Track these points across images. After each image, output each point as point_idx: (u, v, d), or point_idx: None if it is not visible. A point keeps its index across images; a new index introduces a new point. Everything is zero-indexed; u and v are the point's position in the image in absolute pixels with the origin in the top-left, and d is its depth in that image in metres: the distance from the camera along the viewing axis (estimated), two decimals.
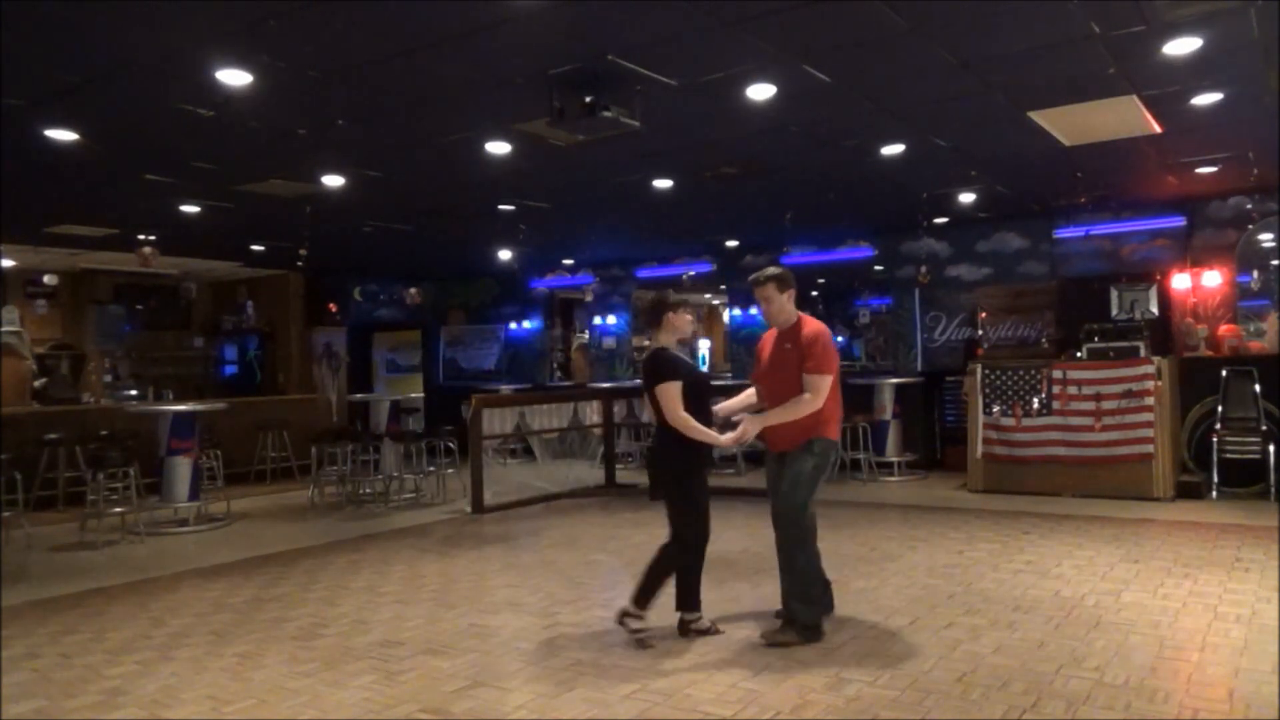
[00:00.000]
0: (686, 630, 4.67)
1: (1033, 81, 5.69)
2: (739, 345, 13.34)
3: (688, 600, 4.70)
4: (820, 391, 4.47)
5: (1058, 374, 8.76)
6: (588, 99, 5.20)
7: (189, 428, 8.53)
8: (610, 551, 6.93)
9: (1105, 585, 5.43)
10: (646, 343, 4.86)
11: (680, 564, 4.65)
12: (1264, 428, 8.56)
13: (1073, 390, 8.67)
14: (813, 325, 4.60)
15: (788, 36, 4.83)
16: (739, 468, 11.36)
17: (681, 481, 4.62)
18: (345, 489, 9.96)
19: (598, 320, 14.54)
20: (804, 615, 4.50)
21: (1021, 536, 6.93)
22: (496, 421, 11.44)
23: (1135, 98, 6.03)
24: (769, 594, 5.37)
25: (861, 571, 5.94)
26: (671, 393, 4.48)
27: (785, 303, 4.63)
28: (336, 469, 10.15)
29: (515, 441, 13.05)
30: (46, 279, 13.15)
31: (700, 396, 4.61)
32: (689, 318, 4.77)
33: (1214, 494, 8.49)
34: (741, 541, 7.04)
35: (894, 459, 10.50)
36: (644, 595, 4.61)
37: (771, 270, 4.69)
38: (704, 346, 18.76)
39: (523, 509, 9.08)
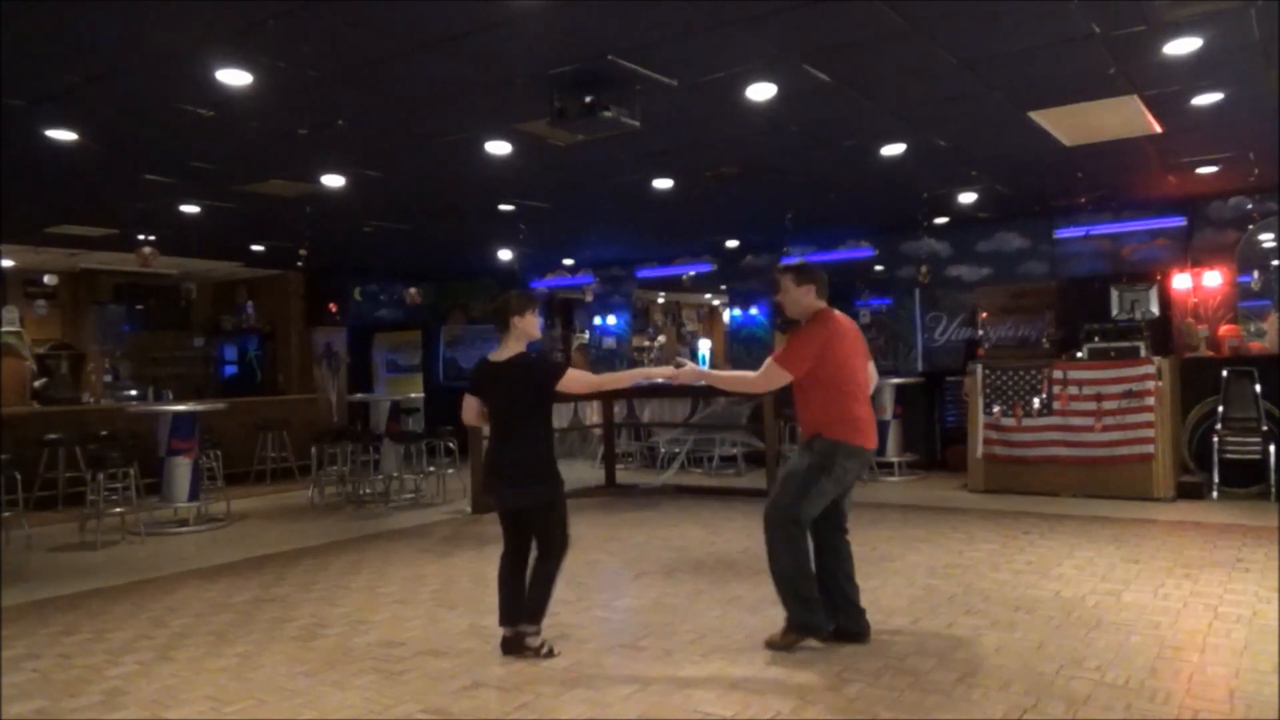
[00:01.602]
0: (524, 644, 4.41)
1: (1033, 81, 5.70)
2: (739, 345, 13.33)
3: (539, 613, 4.44)
4: (766, 374, 4.37)
5: (1058, 374, 8.75)
6: (588, 99, 5.20)
7: (189, 428, 8.52)
8: (610, 552, 6.93)
9: (1106, 586, 5.43)
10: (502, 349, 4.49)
11: (551, 574, 4.44)
12: (1264, 428, 8.56)
13: (1073, 390, 8.66)
14: (816, 319, 4.41)
15: (788, 36, 4.83)
16: (739, 468, 11.36)
17: (556, 490, 4.43)
18: (345, 489, 9.97)
19: (598, 320, 14.53)
20: (796, 612, 4.36)
21: (1022, 536, 6.93)
22: None
23: (1135, 98, 6.03)
24: (769, 594, 5.37)
25: (862, 571, 5.89)
26: (577, 374, 4.42)
27: (801, 296, 4.47)
28: (336, 469, 10.15)
29: None
30: (46, 279, 13.15)
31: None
32: (537, 320, 4.54)
33: (1214, 494, 8.48)
34: (741, 542, 7.04)
35: (894, 459, 10.49)
36: (538, 612, 4.46)
37: (795, 263, 4.66)
38: (704, 347, 18.76)
39: None
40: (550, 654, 4.38)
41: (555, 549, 4.45)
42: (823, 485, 4.30)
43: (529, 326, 4.50)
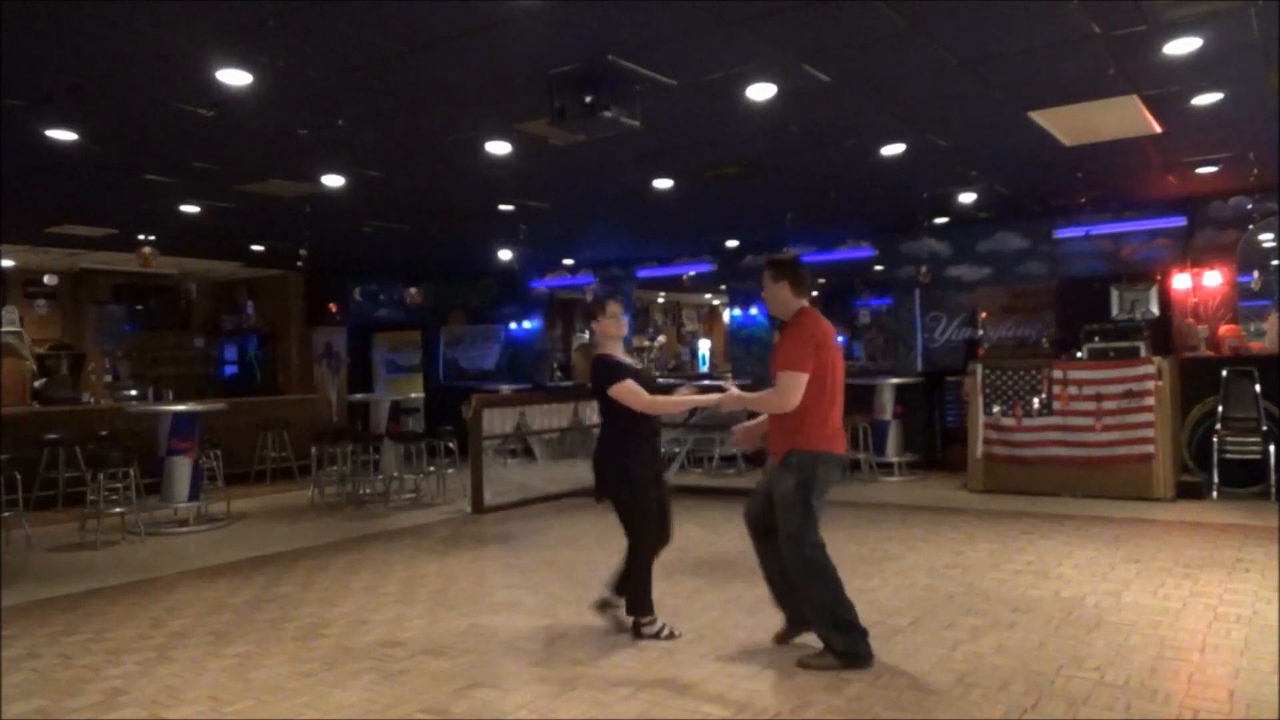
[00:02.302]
0: (639, 633, 4.66)
1: (1033, 81, 5.69)
2: (739, 345, 13.34)
3: (640, 604, 4.68)
4: (785, 390, 4.11)
5: (1058, 374, 8.75)
6: (588, 99, 5.19)
7: (189, 428, 8.52)
8: (610, 551, 6.89)
9: (1105, 586, 5.43)
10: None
11: (635, 566, 4.68)
12: (1264, 428, 8.56)
13: (1073, 390, 8.67)
14: (799, 319, 4.28)
15: (788, 36, 4.83)
16: (739, 467, 11.36)
17: (629, 485, 4.62)
18: (345, 489, 9.96)
19: None
20: (839, 643, 4.13)
21: (1021, 536, 6.93)
22: (496, 421, 11.42)
23: (1135, 98, 6.03)
24: (769, 593, 5.37)
25: (861, 571, 5.94)
26: (628, 388, 4.53)
27: (778, 292, 4.32)
28: (336, 469, 10.16)
29: (515, 441, 13.05)
30: (46, 279, 13.15)
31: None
32: (614, 320, 4.74)
33: (1214, 494, 8.48)
34: (740, 542, 6.99)
35: (894, 459, 10.50)
36: (633, 605, 4.68)
37: (773, 257, 4.52)
38: (704, 347, 18.78)
39: (523, 509, 9.08)
40: (670, 635, 4.62)
41: (634, 545, 4.65)
42: (813, 502, 4.15)
43: (606, 328, 4.72)
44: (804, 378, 4.12)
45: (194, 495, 8.52)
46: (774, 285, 4.35)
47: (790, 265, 4.39)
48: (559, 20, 4.51)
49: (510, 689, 4.00)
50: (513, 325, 15.28)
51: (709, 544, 7.07)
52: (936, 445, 11.10)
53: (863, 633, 4.16)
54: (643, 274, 14.18)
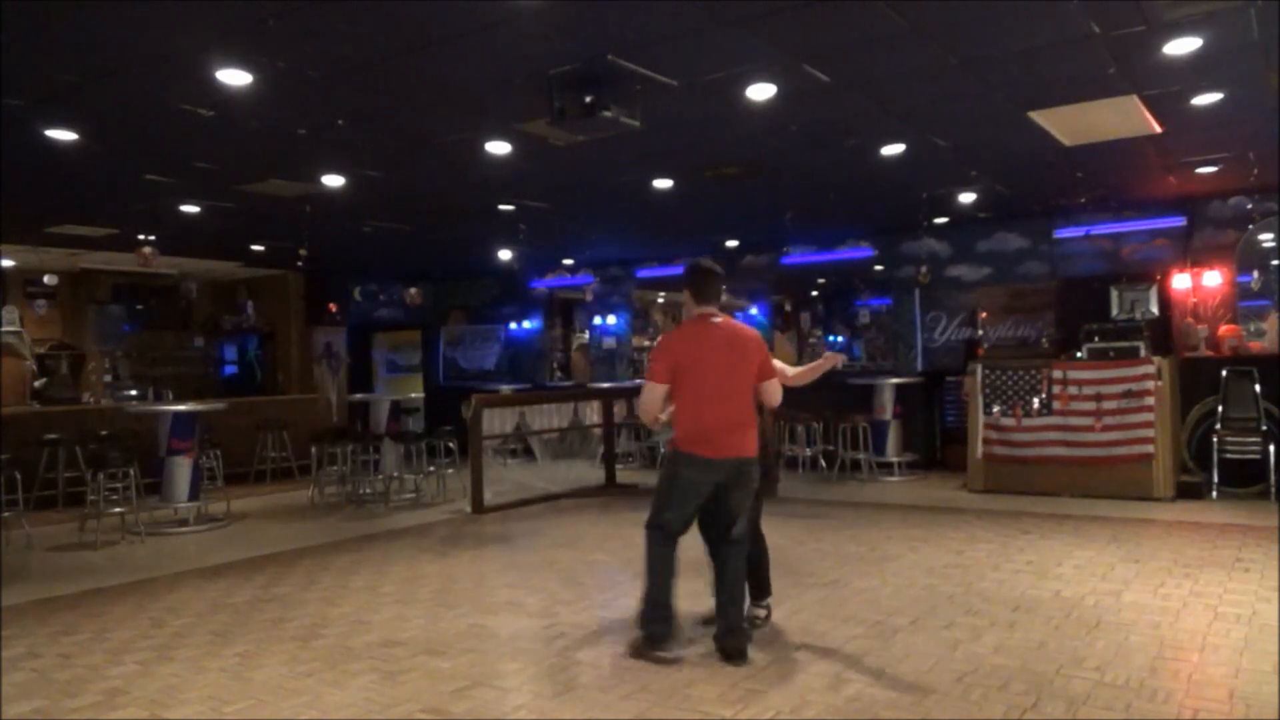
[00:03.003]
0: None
1: (1033, 81, 5.69)
2: None
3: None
4: (641, 396, 4.48)
5: (1058, 374, 8.75)
6: (588, 99, 5.19)
7: (189, 428, 8.52)
8: (610, 551, 6.93)
9: (1105, 585, 5.43)
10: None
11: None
12: (1264, 428, 8.56)
13: (1073, 390, 8.67)
14: (674, 329, 4.51)
15: (788, 36, 4.83)
16: None
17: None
18: (345, 489, 9.96)
19: (598, 320, 14.54)
20: (643, 622, 4.42)
21: (1021, 536, 6.93)
22: (496, 421, 11.44)
23: (1135, 98, 6.03)
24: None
25: (861, 571, 5.94)
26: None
27: (684, 297, 4.53)
28: (336, 469, 10.15)
29: (515, 441, 13.06)
30: (46, 279, 13.15)
31: None
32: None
33: (1214, 494, 8.49)
34: None
35: (894, 459, 10.50)
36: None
37: (691, 261, 4.58)
38: None
39: (523, 509, 9.08)
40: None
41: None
42: (673, 495, 4.37)
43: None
44: (657, 387, 4.37)
45: (194, 495, 8.52)
46: (683, 292, 4.54)
47: (697, 273, 4.51)
48: (559, 20, 4.51)
49: (510, 689, 4.00)
50: (513, 325, 15.28)
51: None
52: (936, 445, 11.10)
53: (664, 613, 4.34)
54: (643, 274, 14.18)
